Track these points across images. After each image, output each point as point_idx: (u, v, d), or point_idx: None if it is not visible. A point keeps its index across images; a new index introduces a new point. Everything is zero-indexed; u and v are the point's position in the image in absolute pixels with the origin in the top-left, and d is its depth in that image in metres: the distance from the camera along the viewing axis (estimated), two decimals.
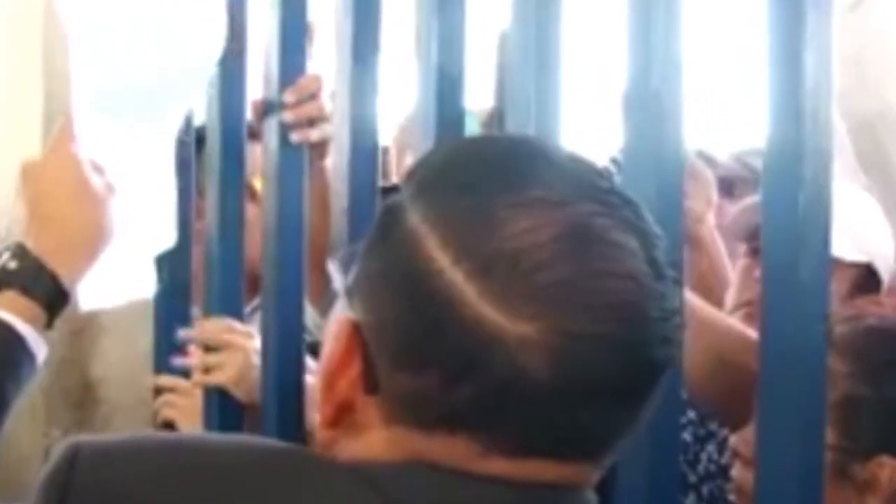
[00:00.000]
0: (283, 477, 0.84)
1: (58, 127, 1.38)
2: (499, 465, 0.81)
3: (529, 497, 0.82)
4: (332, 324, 0.87)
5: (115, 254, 1.39)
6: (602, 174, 0.85)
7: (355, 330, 0.83)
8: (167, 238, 1.58)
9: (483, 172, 0.82)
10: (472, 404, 0.79)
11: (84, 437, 0.88)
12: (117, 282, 1.47)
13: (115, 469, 0.86)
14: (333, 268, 0.89)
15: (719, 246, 2.05)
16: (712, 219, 2.06)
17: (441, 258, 0.79)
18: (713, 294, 1.85)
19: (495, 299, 0.77)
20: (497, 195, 0.80)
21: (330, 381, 0.85)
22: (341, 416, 0.85)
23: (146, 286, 1.58)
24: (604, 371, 0.79)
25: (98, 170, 1.35)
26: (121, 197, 1.38)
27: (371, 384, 0.83)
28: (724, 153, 2.75)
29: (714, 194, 2.07)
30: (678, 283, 0.84)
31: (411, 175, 0.86)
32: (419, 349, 0.80)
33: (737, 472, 1.48)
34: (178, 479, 0.85)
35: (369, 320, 0.83)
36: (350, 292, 0.85)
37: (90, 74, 1.38)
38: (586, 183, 0.83)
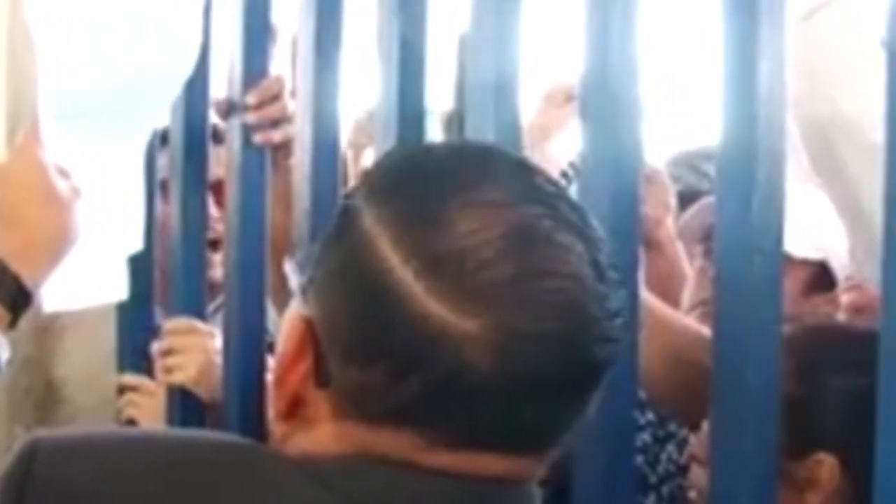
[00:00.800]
0: (233, 472, 0.87)
1: (23, 131, 1.38)
2: (444, 459, 0.84)
3: (474, 490, 0.85)
4: (285, 321, 0.89)
5: (83, 256, 1.39)
6: (550, 179, 0.88)
7: (307, 325, 0.86)
8: (135, 241, 1.58)
9: (435, 176, 0.85)
10: (418, 398, 0.82)
11: (44, 433, 0.90)
12: (87, 284, 1.47)
13: (74, 465, 0.88)
14: (290, 267, 0.91)
15: (678, 250, 2.06)
16: (671, 223, 2.07)
17: (392, 257, 0.82)
18: (671, 296, 1.86)
19: (442, 296, 0.80)
20: (447, 198, 0.83)
21: (282, 375, 0.87)
22: (293, 410, 0.88)
23: (119, 290, 1.56)
24: (546, 367, 0.81)
25: (64, 174, 1.35)
26: (87, 200, 1.38)
27: (322, 378, 0.85)
28: (669, 155, 2.77)
29: (672, 199, 2.08)
30: (622, 284, 0.86)
31: (367, 177, 0.89)
32: (368, 344, 0.83)
33: (694, 474, 1.49)
34: (136, 475, 0.87)
35: (322, 316, 0.85)
36: (305, 289, 0.87)
37: (57, 74, 1.38)
38: (534, 187, 0.86)
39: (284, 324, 0.90)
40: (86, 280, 1.45)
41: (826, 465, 1.34)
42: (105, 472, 0.87)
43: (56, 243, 1.32)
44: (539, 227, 0.82)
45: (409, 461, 0.84)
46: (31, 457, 0.87)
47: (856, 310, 1.88)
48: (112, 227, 1.48)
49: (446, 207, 0.82)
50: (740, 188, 1.09)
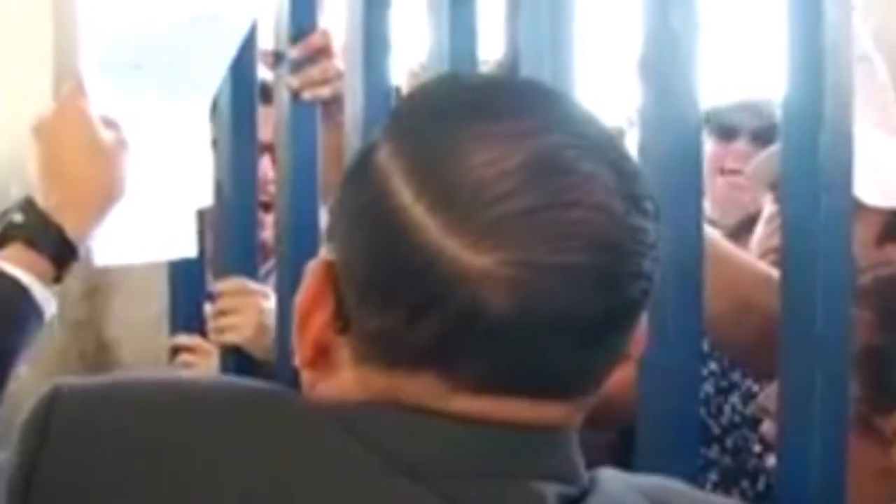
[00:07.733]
0: (260, 417, 0.84)
1: (68, 84, 1.37)
2: (468, 404, 0.80)
3: (502, 436, 0.81)
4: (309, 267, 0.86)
5: (153, 211, 1.38)
6: (582, 108, 0.83)
7: (328, 269, 0.82)
8: (205, 197, 1.55)
9: (451, 107, 0.81)
10: (437, 341, 0.78)
11: (64, 379, 0.88)
12: (155, 239, 1.46)
13: (94, 408, 0.85)
14: (327, 214, 0.88)
15: None
16: None
17: (404, 192, 0.78)
18: None
19: (455, 232, 0.76)
20: (462, 128, 0.79)
21: (303, 320, 0.84)
22: (317, 356, 0.84)
23: (189, 246, 1.54)
24: (569, 304, 0.77)
25: (110, 125, 1.34)
26: (150, 155, 1.36)
27: (342, 323, 0.82)
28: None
29: None
30: (657, 218, 0.81)
31: (391, 113, 0.86)
32: (383, 285, 0.79)
33: (766, 427, 1.43)
34: (155, 418, 0.84)
35: (340, 258, 0.82)
36: (328, 232, 0.85)
37: (105, 21, 1.37)
38: (559, 115, 0.81)
39: (308, 269, 0.86)
40: (154, 235, 1.44)
41: None
42: (124, 416, 0.85)
43: (100, 195, 1.32)
44: (561, 156, 0.78)
45: (431, 407, 0.80)
46: (51, 402, 0.84)
47: None
48: (180, 182, 1.46)
49: (461, 138, 0.78)
50: (807, 124, 1.05)
